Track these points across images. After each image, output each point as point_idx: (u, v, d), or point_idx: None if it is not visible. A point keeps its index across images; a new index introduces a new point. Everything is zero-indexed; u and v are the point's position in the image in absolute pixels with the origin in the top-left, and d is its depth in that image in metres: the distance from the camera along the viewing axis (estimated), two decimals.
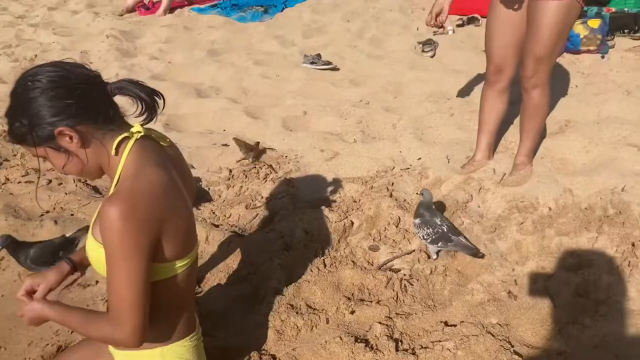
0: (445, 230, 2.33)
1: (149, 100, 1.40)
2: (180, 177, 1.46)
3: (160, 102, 1.44)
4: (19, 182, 3.06)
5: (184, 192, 1.43)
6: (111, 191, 1.36)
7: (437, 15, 2.65)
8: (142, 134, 1.41)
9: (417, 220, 2.40)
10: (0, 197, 2.88)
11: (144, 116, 1.41)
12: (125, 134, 1.37)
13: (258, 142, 3.31)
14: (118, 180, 1.35)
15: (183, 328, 1.54)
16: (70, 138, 1.31)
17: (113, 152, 1.36)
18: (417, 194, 2.81)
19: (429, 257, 2.41)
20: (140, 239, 1.27)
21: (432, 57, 4.76)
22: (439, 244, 2.34)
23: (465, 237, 2.38)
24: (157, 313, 1.42)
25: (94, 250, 1.39)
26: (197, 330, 1.63)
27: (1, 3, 6.84)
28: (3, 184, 3.05)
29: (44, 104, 1.29)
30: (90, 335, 1.41)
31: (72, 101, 1.30)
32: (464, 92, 4.00)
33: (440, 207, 2.73)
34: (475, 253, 2.33)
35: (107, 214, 1.25)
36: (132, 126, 1.41)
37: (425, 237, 2.36)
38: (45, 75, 1.30)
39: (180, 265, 1.42)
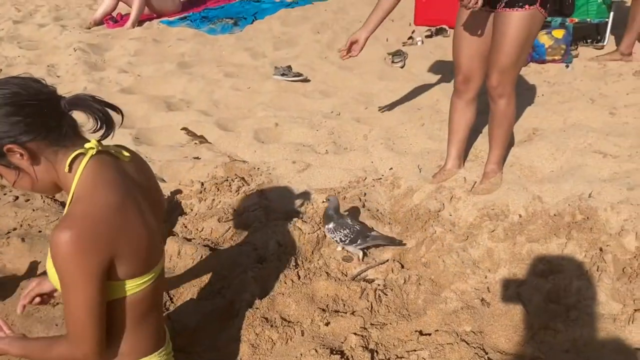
0: (359, 228, 2.41)
1: (105, 115, 1.39)
2: (141, 192, 1.44)
3: (118, 116, 1.43)
4: None
5: (141, 208, 1.40)
6: (65, 210, 1.36)
7: (352, 44, 2.78)
8: (97, 149, 1.38)
9: (331, 225, 2.44)
10: None
11: (101, 131, 1.39)
12: (80, 151, 1.36)
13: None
14: (71, 200, 1.35)
15: (150, 343, 1.52)
16: (21, 155, 1.31)
17: (66, 169, 1.35)
18: (323, 202, 2.81)
19: (359, 258, 2.43)
20: (88, 264, 1.26)
21: (402, 67, 4.82)
22: (359, 242, 2.40)
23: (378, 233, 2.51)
24: (122, 329, 1.43)
25: (50, 269, 1.38)
26: (167, 344, 1.60)
27: None
28: None
29: None
30: None
31: (21, 118, 1.28)
32: (434, 102, 4.05)
33: (355, 212, 2.77)
34: (394, 241, 2.46)
35: (54, 240, 1.25)
36: (89, 142, 1.39)
37: (342, 239, 2.40)
38: None
39: (142, 281, 1.40)
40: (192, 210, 2.92)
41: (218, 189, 3.04)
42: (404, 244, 2.50)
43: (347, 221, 2.42)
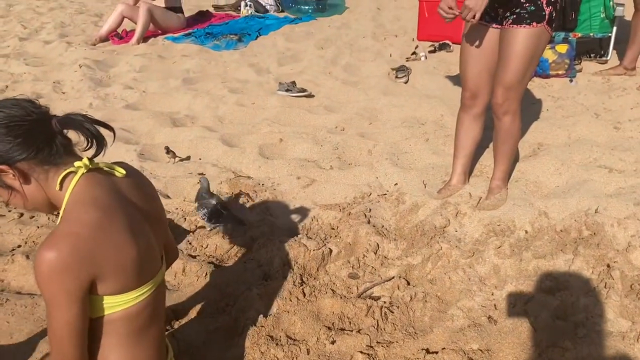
0: (219, 207, 2.73)
1: (95, 133, 1.42)
2: (136, 208, 1.46)
3: (110, 134, 1.46)
4: None
5: (131, 224, 1.41)
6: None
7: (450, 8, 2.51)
8: (88, 167, 1.41)
9: (196, 204, 2.79)
10: None
11: (93, 149, 1.43)
12: (70, 169, 1.39)
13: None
14: (61, 218, 1.37)
15: (151, 358, 1.52)
16: (13, 175, 1.35)
17: (57, 187, 1.38)
18: (197, 183, 3.05)
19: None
20: (69, 283, 1.29)
21: (405, 82, 4.83)
22: (212, 221, 2.75)
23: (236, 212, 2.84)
24: (118, 344, 1.44)
25: None
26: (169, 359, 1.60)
27: None
28: None
29: None
30: None
31: (11, 139, 1.32)
32: (438, 117, 4.05)
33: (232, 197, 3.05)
34: (241, 222, 2.77)
35: (37, 260, 1.28)
36: (81, 159, 1.42)
37: (202, 216, 2.75)
38: None
39: (135, 295, 1.41)
40: (196, 227, 2.92)
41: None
42: (245, 225, 2.79)
43: (211, 201, 2.74)
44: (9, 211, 3.01)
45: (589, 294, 2.28)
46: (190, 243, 2.76)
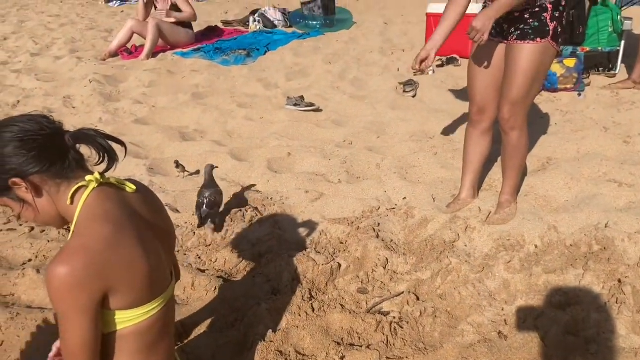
0: (207, 201, 2.89)
1: (107, 148, 1.44)
2: (145, 223, 1.47)
3: (122, 148, 1.48)
4: (0, 231, 3.01)
5: (142, 239, 1.41)
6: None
7: (423, 61, 2.67)
8: (99, 181, 1.43)
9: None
10: None
11: (105, 164, 1.45)
12: (82, 183, 1.40)
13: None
14: (72, 233, 1.38)
15: None
16: (26, 188, 1.37)
17: (69, 201, 1.40)
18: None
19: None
20: (81, 297, 1.29)
21: (413, 97, 4.85)
22: (202, 209, 2.89)
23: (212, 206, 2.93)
24: (131, 359, 1.44)
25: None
26: None
27: None
28: None
29: (2, 155, 1.34)
30: None
31: (25, 152, 1.35)
32: (447, 131, 4.06)
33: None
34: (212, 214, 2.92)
35: (48, 274, 1.29)
36: (92, 174, 1.43)
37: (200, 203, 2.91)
38: (0, 130, 1.36)
39: (146, 310, 1.42)
40: (205, 241, 2.92)
41: (232, 219, 3.05)
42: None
43: (203, 190, 2.94)
44: (20, 225, 3.03)
45: (600, 309, 2.26)
46: (199, 257, 2.77)
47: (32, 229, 3.00)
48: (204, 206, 2.88)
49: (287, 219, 3.06)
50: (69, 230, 2.88)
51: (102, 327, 1.37)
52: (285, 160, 3.75)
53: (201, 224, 2.93)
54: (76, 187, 1.39)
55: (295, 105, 4.59)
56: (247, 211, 3.11)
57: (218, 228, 2.96)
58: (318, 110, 4.61)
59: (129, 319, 1.40)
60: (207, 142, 4.03)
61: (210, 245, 2.87)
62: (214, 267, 2.71)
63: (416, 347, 2.12)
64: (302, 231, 2.95)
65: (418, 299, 2.40)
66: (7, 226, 3.05)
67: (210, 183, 2.97)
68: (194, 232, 2.96)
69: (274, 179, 3.47)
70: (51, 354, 1.66)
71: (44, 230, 2.99)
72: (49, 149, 1.38)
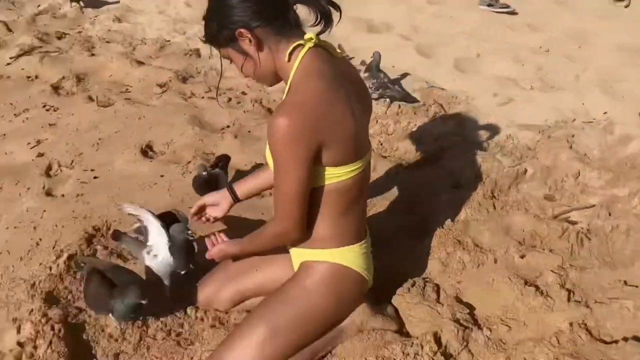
0: (386, 81, 3.06)
1: (327, 11, 1.46)
2: (352, 87, 1.51)
3: (337, 13, 1.49)
4: (202, 97, 3.28)
5: (350, 101, 1.46)
6: (284, 97, 1.47)
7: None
8: (314, 42, 1.46)
9: (366, 74, 3.13)
10: (188, 108, 3.12)
11: (320, 26, 1.47)
12: (299, 42, 1.45)
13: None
14: (289, 89, 1.45)
15: (353, 234, 1.62)
16: (250, 40, 1.43)
17: (286, 58, 1.45)
18: (370, 57, 3.24)
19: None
20: (299, 148, 1.37)
21: (626, 7, 4.32)
22: (379, 91, 3.03)
23: (402, 89, 3.12)
24: (329, 215, 1.54)
25: (269, 158, 1.52)
26: (367, 239, 1.69)
27: None
28: (189, 97, 3.28)
29: (231, 6, 1.42)
30: (266, 244, 1.62)
31: (252, 4, 1.41)
32: None
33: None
34: (406, 98, 3.03)
35: (271, 127, 1.37)
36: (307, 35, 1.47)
37: (370, 86, 2.95)
38: None
39: (351, 169, 1.49)
40: (387, 130, 2.95)
41: (415, 112, 3.03)
42: (418, 101, 3.06)
43: (379, 74, 3.10)
44: (219, 95, 3.24)
45: None
46: (381, 144, 2.82)
47: (230, 99, 3.23)
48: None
49: (472, 119, 2.98)
50: (260, 103, 3.04)
51: (313, 181, 1.47)
52: (474, 61, 3.61)
53: None
54: (295, 45, 1.45)
55: (489, 5, 4.33)
56: (431, 106, 3.07)
57: None
58: (513, 13, 4.31)
59: (335, 176, 1.49)
60: (393, 36, 3.98)
61: (392, 134, 2.91)
62: (394, 154, 2.75)
63: (603, 260, 2.01)
64: (488, 133, 2.86)
65: (610, 214, 2.25)
66: (208, 94, 3.31)
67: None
68: (377, 120, 3.00)
69: (460, 79, 3.37)
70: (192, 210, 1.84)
71: (239, 102, 3.21)
72: (272, 5, 1.44)
